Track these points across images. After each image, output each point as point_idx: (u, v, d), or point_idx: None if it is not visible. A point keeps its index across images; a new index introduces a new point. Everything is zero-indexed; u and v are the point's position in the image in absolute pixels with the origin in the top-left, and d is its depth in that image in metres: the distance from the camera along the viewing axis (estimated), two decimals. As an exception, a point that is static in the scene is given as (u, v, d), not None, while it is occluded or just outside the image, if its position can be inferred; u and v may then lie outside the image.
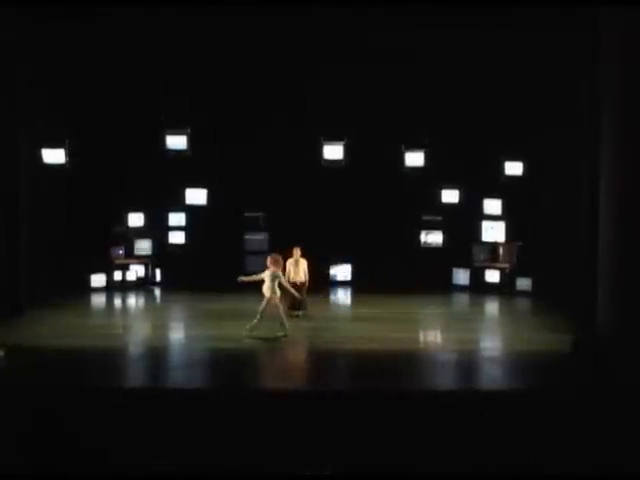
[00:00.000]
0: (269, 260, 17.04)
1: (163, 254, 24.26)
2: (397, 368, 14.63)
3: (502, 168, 21.77)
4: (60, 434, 11.13)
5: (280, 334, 16.95)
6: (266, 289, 16.86)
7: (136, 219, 23.90)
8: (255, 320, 16.80)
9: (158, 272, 24.44)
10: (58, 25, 18.42)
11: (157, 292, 23.92)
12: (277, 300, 16.92)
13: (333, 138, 21.16)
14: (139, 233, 24.07)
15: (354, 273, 24.37)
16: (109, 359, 15.33)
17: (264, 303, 16.82)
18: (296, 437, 11.23)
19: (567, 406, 12.01)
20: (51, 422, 11.37)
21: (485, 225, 23.55)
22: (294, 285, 18.99)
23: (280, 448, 11.00)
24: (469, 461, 10.85)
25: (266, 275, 16.88)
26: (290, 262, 19.32)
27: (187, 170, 22.58)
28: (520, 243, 23.12)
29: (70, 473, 10.45)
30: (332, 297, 23.38)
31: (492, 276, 23.61)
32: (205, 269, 23.33)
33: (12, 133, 19.00)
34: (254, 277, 17.10)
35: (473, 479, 10.54)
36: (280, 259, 17.28)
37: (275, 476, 10.45)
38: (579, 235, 18.40)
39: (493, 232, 23.49)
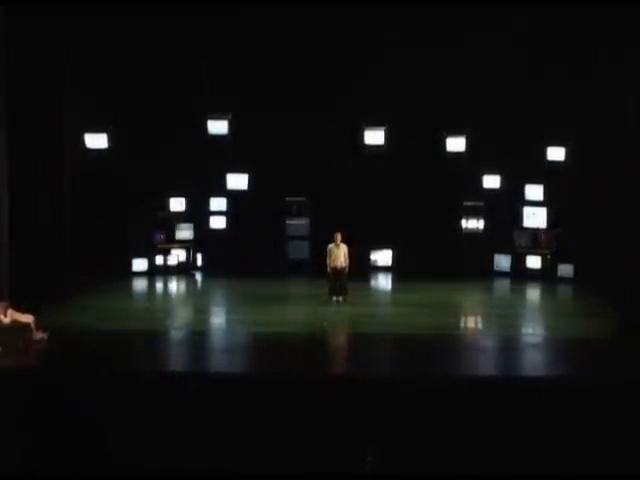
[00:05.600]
0: None
1: (204, 239, 24.37)
2: (436, 354, 14.59)
3: (544, 154, 21.65)
4: (103, 416, 11.27)
5: None
6: None
7: (178, 204, 23.98)
8: None
9: (199, 257, 24.56)
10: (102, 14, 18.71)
11: (198, 277, 24.07)
12: None
13: (374, 123, 21.17)
14: (181, 218, 24.17)
15: (395, 258, 24.35)
16: (151, 342, 15.50)
17: None
18: (338, 422, 11.26)
19: (608, 393, 11.92)
20: (93, 405, 11.51)
21: (527, 211, 23.40)
22: (334, 269, 18.90)
23: (321, 433, 11.05)
24: (509, 447, 10.86)
25: None
26: (331, 247, 19.13)
27: (228, 155, 22.71)
28: (561, 229, 22.97)
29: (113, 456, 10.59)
30: (373, 282, 23.43)
31: (533, 262, 23.50)
32: (246, 254, 23.44)
33: (56, 118, 19.18)
34: None
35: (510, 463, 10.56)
36: None
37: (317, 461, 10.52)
38: (622, 221, 18.28)
39: (535, 218, 23.33)
